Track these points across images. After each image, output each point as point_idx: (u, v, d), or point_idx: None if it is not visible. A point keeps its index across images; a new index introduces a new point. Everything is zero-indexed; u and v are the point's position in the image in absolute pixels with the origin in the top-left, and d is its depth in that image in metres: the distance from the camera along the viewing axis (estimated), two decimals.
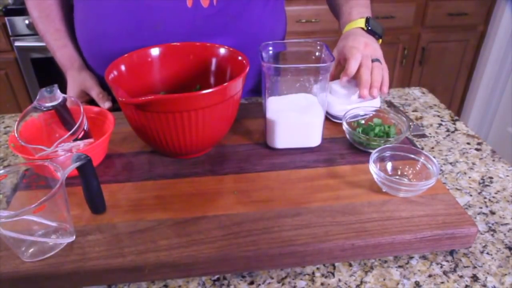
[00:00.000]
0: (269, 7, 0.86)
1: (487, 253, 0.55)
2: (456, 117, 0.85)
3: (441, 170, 0.70)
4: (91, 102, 0.87)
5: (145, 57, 0.71)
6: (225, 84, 0.58)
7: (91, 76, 0.86)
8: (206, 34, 0.78)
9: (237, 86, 0.61)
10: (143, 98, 0.55)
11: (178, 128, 0.59)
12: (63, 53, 0.88)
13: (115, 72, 0.66)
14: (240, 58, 0.68)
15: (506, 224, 0.59)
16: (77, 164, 0.50)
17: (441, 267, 0.53)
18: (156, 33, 0.77)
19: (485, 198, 0.64)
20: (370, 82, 0.72)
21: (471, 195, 0.64)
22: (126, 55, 0.69)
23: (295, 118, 0.67)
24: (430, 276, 0.52)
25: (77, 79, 0.86)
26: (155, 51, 0.72)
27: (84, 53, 0.88)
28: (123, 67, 0.68)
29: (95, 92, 0.84)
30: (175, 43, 0.73)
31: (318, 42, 0.69)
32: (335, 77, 0.78)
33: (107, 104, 0.83)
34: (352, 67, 0.72)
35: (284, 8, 0.95)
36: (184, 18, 0.76)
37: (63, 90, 0.63)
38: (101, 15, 0.79)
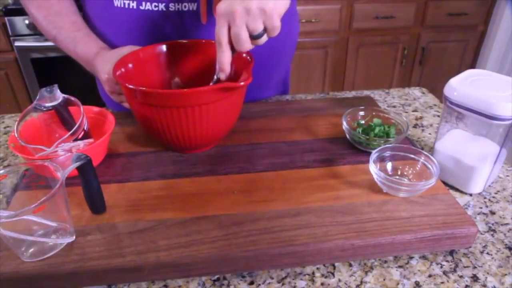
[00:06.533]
0: None
1: (487, 253, 0.55)
2: None
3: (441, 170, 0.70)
4: None
5: (152, 55, 0.72)
6: (228, 82, 0.58)
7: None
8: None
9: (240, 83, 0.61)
10: (150, 89, 0.57)
11: (182, 123, 0.60)
12: (88, 41, 0.78)
13: (122, 70, 0.67)
14: (244, 54, 0.68)
15: (506, 224, 0.59)
16: (77, 164, 0.50)
17: (441, 267, 0.53)
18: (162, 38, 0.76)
19: (485, 198, 0.64)
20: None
21: (471, 195, 0.64)
22: (132, 52, 0.70)
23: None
24: (430, 276, 0.52)
25: (115, 50, 0.75)
26: (161, 49, 0.73)
27: None
28: (130, 65, 0.69)
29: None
30: (181, 40, 0.74)
31: None
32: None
33: None
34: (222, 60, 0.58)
35: (296, 9, 0.90)
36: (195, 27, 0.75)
37: (63, 90, 0.63)
38: (108, 19, 0.79)
